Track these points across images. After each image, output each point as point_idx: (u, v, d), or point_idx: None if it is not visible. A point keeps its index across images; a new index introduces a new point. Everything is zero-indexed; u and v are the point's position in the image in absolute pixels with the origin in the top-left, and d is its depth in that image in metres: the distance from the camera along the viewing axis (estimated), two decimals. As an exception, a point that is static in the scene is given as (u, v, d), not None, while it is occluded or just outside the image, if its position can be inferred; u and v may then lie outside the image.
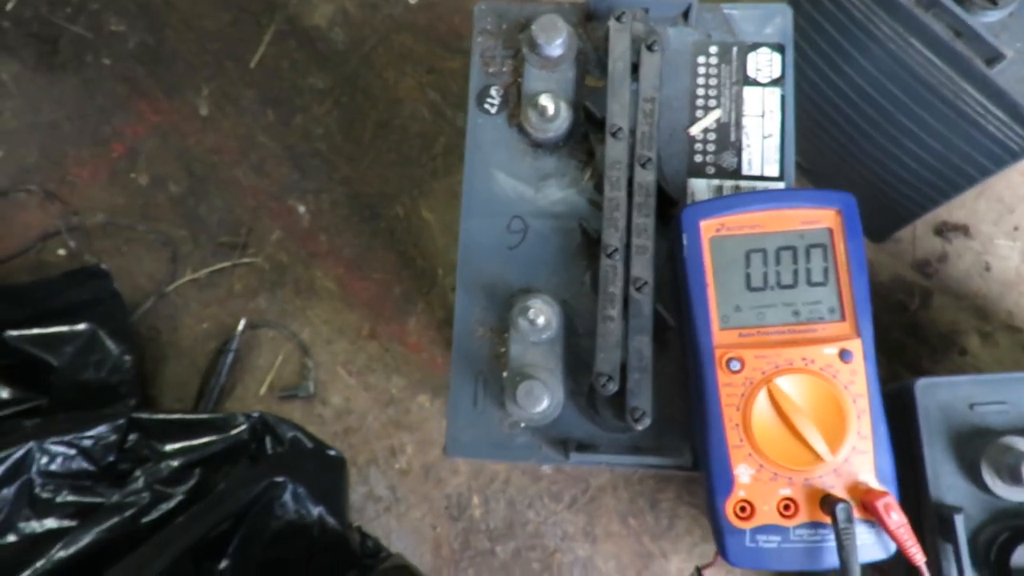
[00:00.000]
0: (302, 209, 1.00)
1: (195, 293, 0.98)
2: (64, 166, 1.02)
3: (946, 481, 0.57)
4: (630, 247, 0.53)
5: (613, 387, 0.52)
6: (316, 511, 0.71)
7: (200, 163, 1.02)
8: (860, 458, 0.48)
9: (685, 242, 0.51)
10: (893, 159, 0.73)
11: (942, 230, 0.93)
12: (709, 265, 0.51)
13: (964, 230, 0.92)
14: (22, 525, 0.71)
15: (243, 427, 0.77)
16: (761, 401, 0.49)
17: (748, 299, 0.51)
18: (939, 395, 0.58)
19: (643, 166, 0.54)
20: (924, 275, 0.92)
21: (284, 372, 0.96)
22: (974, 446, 0.56)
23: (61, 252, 0.99)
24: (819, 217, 0.51)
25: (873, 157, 0.75)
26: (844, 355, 0.49)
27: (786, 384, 0.49)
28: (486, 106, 0.60)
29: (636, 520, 0.90)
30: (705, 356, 0.50)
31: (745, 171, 0.58)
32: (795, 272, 0.51)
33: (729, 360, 0.50)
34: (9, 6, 1.06)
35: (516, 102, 0.60)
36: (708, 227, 0.52)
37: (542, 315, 0.53)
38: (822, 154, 0.82)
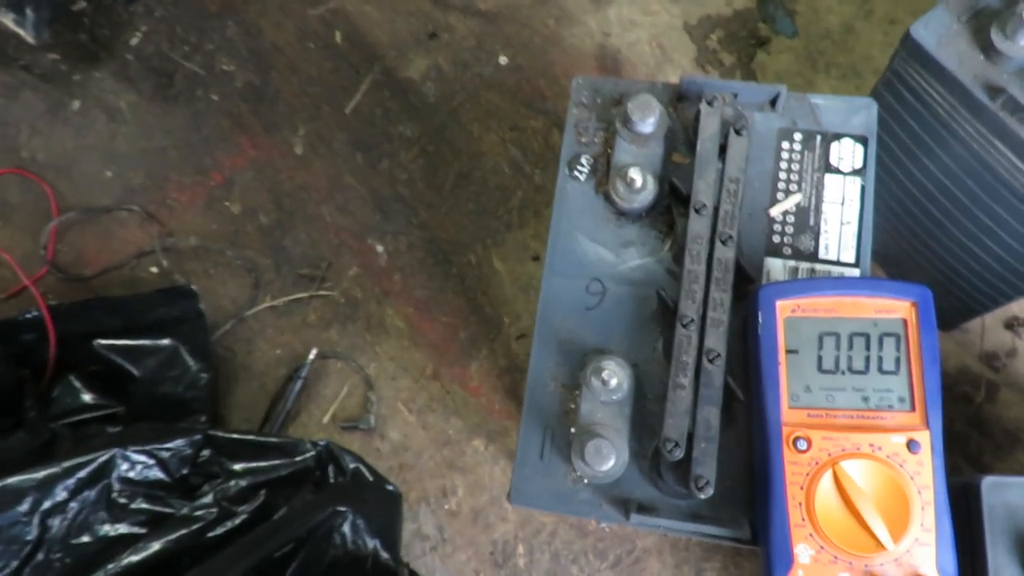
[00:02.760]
0: (380, 249, 1.05)
1: (272, 319, 1.03)
2: (165, 190, 1.09)
3: (1008, 583, 0.57)
4: (705, 319, 0.55)
5: (679, 453, 0.53)
6: (372, 544, 0.73)
7: (290, 198, 1.08)
8: (922, 550, 0.49)
9: (761, 319, 0.53)
10: (967, 252, 0.74)
11: (1012, 324, 0.92)
12: (782, 344, 0.53)
13: (1035, 327, 0.91)
14: (98, 527, 0.75)
15: (310, 454, 0.80)
16: (826, 482, 0.50)
17: (819, 380, 0.53)
18: (1007, 495, 0.58)
19: (724, 243, 0.56)
20: (991, 368, 0.91)
21: (348, 404, 0.99)
22: (1040, 550, 0.56)
23: (153, 270, 1.06)
24: (894, 307, 0.53)
25: (947, 249, 0.76)
26: (912, 446, 0.50)
27: (852, 468, 0.50)
28: (576, 173, 0.64)
29: (680, 588, 0.90)
30: (773, 432, 0.52)
31: (822, 255, 0.60)
32: (867, 359, 0.53)
33: (796, 439, 0.51)
34: (133, 41, 1.15)
35: (604, 172, 0.63)
36: (784, 307, 0.54)
37: (615, 376, 0.55)
38: (896, 240, 0.83)
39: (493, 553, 0.93)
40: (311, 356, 1.00)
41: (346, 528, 0.71)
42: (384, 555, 0.74)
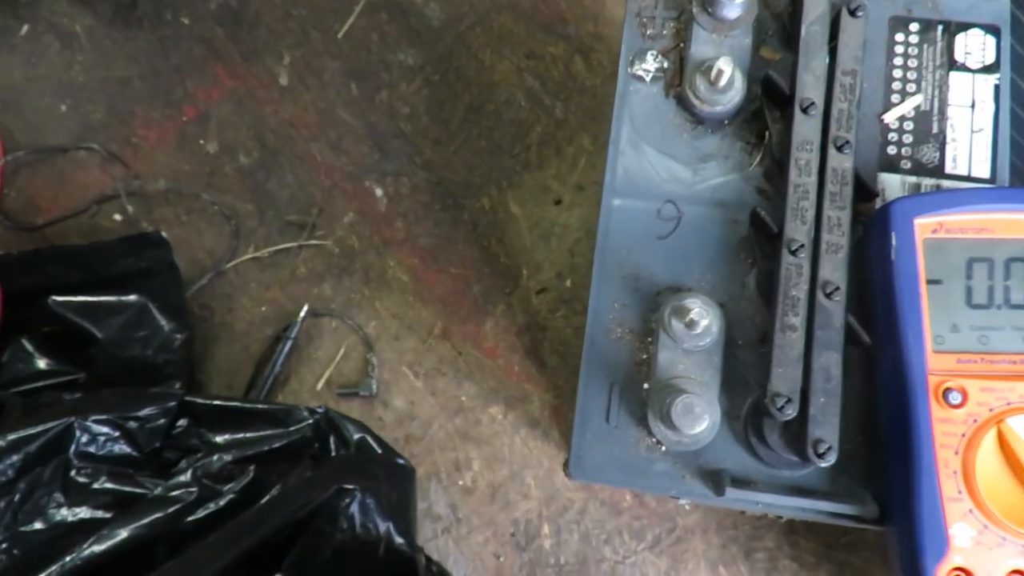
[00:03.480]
0: (379, 192, 0.92)
1: (256, 273, 0.90)
2: (130, 126, 0.95)
3: None
4: (819, 244, 0.44)
5: (792, 411, 0.42)
6: (384, 526, 0.62)
7: (274, 135, 0.94)
8: (1113, 528, 0.38)
9: (895, 242, 0.42)
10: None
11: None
12: (923, 272, 0.42)
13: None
14: (53, 512, 0.63)
15: (307, 423, 0.68)
16: (988, 445, 0.39)
17: (969, 318, 0.42)
18: None
19: (839, 149, 0.45)
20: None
21: (345, 367, 0.87)
22: None
23: (117, 217, 0.92)
24: (1061, 225, 0.42)
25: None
26: (1093, 397, 0.39)
27: (1022, 426, 0.39)
28: (640, 72, 0.52)
29: (727, 570, 0.80)
30: (915, 383, 0.41)
31: (949, 169, 0.49)
32: (1029, 290, 0.42)
33: (947, 391, 0.40)
34: (89, -44, 1.00)
35: (677, 70, 0.51)
36: (924, 227, 0.42)
37: (704, 317, 0.44)
38: None
39: (515, 534, 0.81)
40: (302, 314, 0.87)
41: (354, 509, 0.59)
42: (398, 539, 0.62)
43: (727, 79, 0.48)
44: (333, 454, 0.67)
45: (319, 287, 0.89)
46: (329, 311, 0.88)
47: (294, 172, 0.93)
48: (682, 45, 0.51)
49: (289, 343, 0.86)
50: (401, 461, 0.68)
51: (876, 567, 0.77)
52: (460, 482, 0.83)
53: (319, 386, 0.86)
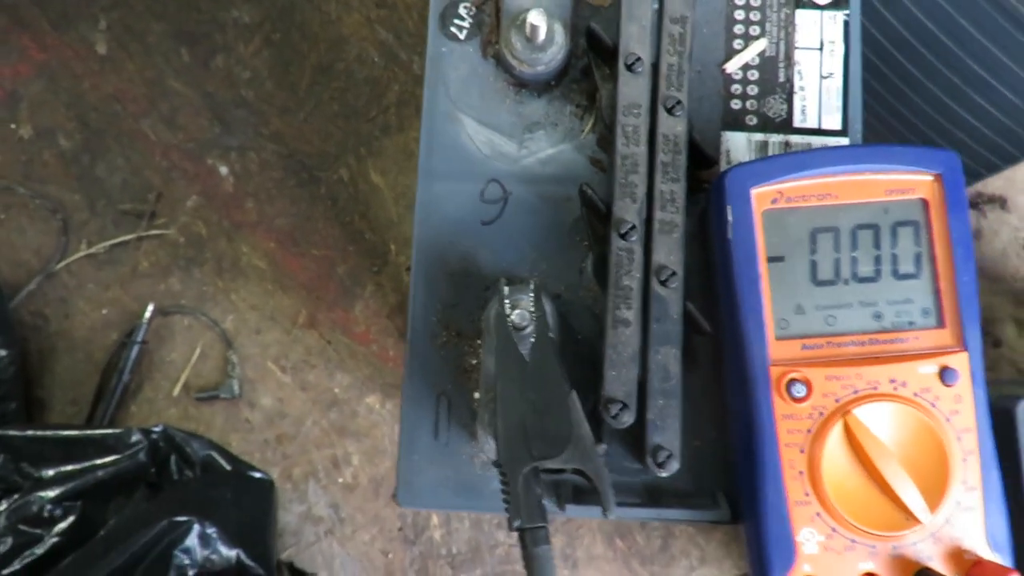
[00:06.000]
0: (224, 170, 0.82)
1: (92, 272, 0.80)
2: (-76, 113, 0.82)
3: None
4: (652, 223, 0.39)
5: (628, 418, 0.37)
6: (232, 554, 0.56)
7: (97, 113, 0.83)
8: (966, 517, 0.35)
9: (731, 217, 0.37)
10: (964, 103, 0.59)
11: (976, 202, 0.80)
12: (763, 249, 0.37)
13: (1001, 202, 0.80)
14: None
15: (140, 446, 0.61)
16: (834, 440, 0.35)
17: (814, 296, 0.37)
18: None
19: (670, 111, 0.39)
20: (954, 255, 0.80)
21: (203, 368, 0.79)
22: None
23: (-78, 220, 0.81)
24: (911, 185, 0.38)
25: (923, 112, 0.62)
26: (946, 375, 0.36)
27: (869, 416, 0.35)
28: (452, 29, 0.45)
29: (623, 541, 0.77)
30: (757, 376, 0.36)
31: (797, 122, 0.44)
32: (877, 259, 0.38)
33: (791, 383, 0.36)
34: None
35: (494, 25, 0.44)
36: (762, 196, 0.37)
37: (525, 320, 0.38)
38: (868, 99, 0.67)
39: (403, 528, 0.77)
40: (148, 313, 0.79)
41: (191, 542, 0.53)
42: (251, 564, 0.57)
43: (544, 34, 0.41)
44: (176, 478, 0.61)
45: (166, 282, 0.80)
46: (179, 308, 0.80)
47: (124, 154, 0.82)
48: (498, -6, 0.44)
49: (137, 348, 0.78)
50: (257, 475, 0.62)
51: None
52: (340, 480, 0.77)
53: (176, 392, 0.78)
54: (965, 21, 0.53)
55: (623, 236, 0.38)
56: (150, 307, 0.79)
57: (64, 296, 0.80)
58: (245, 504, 0.58)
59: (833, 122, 0.44)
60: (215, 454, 0.61)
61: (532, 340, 0.37)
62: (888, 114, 0.64)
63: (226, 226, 0.81)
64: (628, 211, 0.38)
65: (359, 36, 0.84)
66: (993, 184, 0.80)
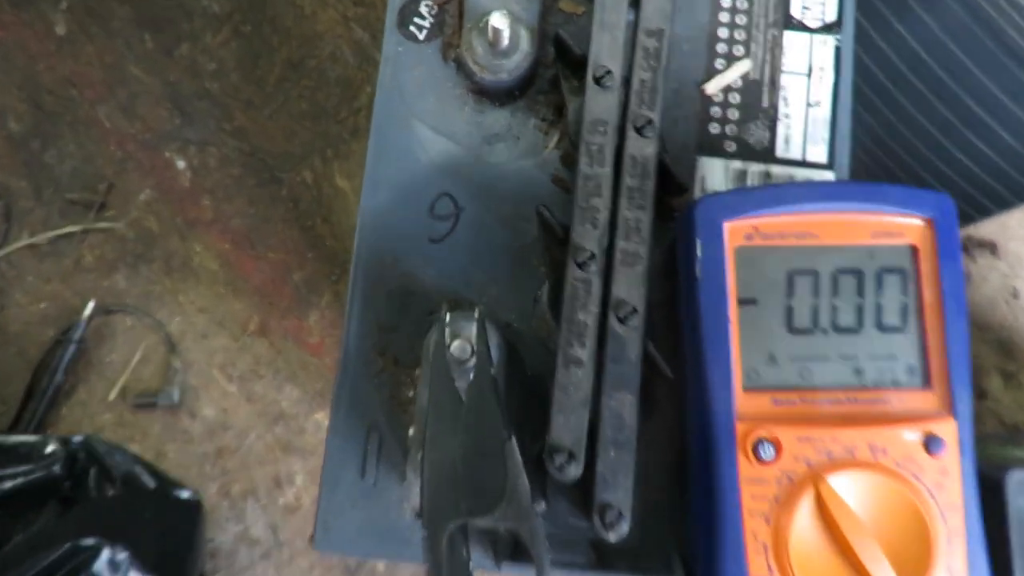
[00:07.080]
0: (182, 164, 0.78)
1: (32, 263, 0.76)
2: None
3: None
4: (613, 253, 0.35)
5: (575, 471, 0.33)
6: (146, 582, 0.51)
7: (52, 96, 0.78)
8: (946, 605, 0.31)
9: (700, 252, 0.33)
10: (959, 143, 0.56)
11: (966, 246, 0.77)
12: (733, 289, 0.33)
13: (991, 247, 0.77)
14: None
15: (57, 457, 0.56)
16: (804, 511, 0.31)
17: (788, 345, 0.34)
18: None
19: (640, 131, 0.35)
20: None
21: (143, 373, 0.74)
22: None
23: None
24: (900, 228, 0.34)
25: (913, 148, 0.59)
26: (931, 444, 0.32)
27: (843, 486, 0.31)
28: (412, 28, 0.41)
29: None
30: (720, 432, 0.32)
31: (780, 152, 0.40)
32: (859, 308, 0.34)
33: (758, 443, 0.32)
34: None
35: (457, 26, 0.41)
36: (736, 231, 0.34)
37: (474, 343, 0.34)
38: (860, 132, 0.64)
39: (344, 557, 0.72)
40: (88, 311, 0.74)
41: (99, 567, 0.48)
42: (169, 595, 0.52)
43: (508, 39, 0.37)
44: (94, 494, 0.56)
45: (110, 279, 0.76)
46: (123, 307, 0.75)
47: (77, 141, 0.78)
48: (463, -7, 0.40)
49: (73, 347, 0.73)
50: (184, 494, 0.57)
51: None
52: (281, 500, 0.73)
53: (112, 396, 0.74)
54: (964, 55, 0.50)
55: (580, 266, 0.34)
56: (91, 304, 0.74)
57: (1, 287, 0.75)
58: (167, 526, 0.53)
59: (819, 154, 0.40)
60: (139, 469, 0.56)
61: (471, 376, 0.33)
62: (878, 149, 0.61)
63: (179, 223, 0.77)
64: (587, 238, 0.34)
65: (334, 33, 0.80)
66: (984, 228, 0.77)
